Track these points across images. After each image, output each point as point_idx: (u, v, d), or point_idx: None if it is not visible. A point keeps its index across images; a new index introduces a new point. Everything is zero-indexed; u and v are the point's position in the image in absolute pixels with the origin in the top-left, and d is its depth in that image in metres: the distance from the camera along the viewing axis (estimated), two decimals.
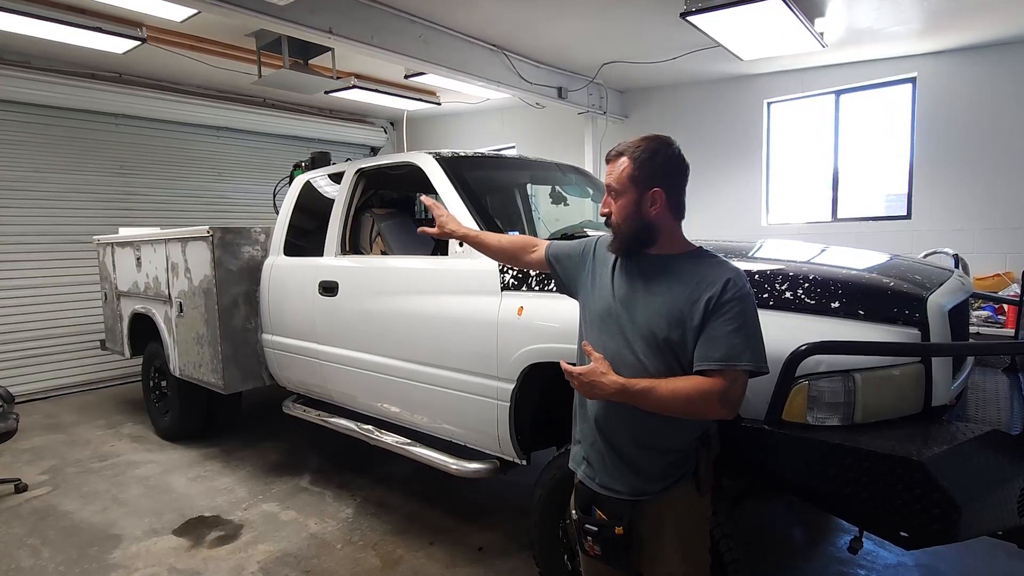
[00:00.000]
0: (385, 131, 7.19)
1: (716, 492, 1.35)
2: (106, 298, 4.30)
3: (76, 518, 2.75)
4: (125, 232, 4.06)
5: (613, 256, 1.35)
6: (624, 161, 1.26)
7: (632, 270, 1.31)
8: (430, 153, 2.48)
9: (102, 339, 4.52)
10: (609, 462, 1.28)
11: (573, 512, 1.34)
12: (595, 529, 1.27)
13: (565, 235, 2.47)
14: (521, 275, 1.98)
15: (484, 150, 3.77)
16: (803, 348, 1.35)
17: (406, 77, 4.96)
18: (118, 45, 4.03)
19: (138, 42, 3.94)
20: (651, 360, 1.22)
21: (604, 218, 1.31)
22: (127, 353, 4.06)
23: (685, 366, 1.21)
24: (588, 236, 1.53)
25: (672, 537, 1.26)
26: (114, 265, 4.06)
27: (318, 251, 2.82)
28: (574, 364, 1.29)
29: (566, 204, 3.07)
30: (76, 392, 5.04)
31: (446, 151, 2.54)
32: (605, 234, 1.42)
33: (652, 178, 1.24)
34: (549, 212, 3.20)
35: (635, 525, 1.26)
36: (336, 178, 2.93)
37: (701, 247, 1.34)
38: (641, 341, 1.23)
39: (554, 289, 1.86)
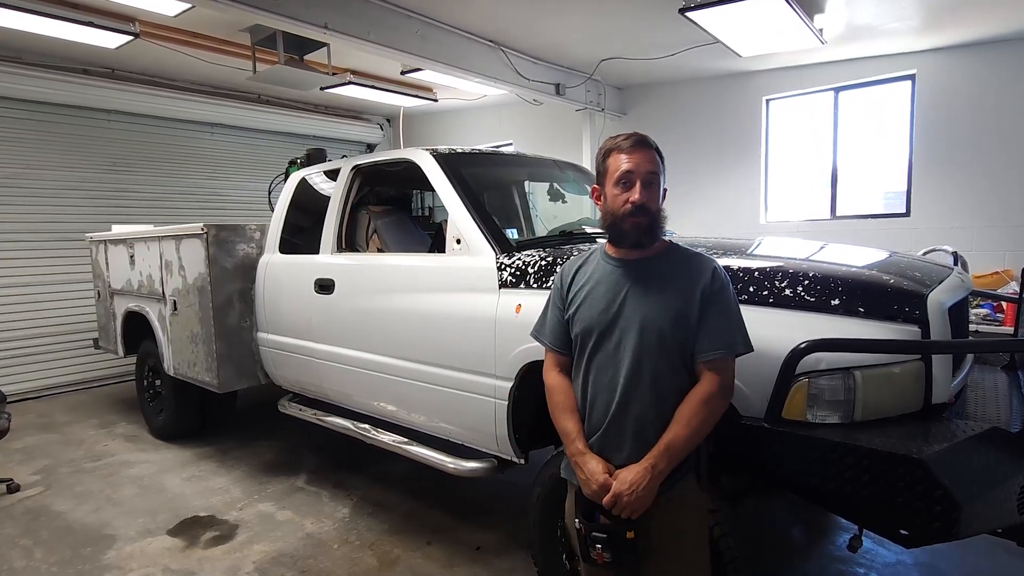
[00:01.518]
0: (381, 128, 7.15)
1: (715, 490, 1.34)
2: (99, 296, 4.26)
3: (69, 518, 2.72)
4: (118, 229, 4.02)
5: (592, 274, 1.34)
6: (653, 154, 1.31)
7: (620, 279, 1.31)
8: (427, 150, 2.45)
9: (95, 338, 4.48)
10: (616, 466, 1.26)
11: (576, 521, 1.29)
12: (604, 536, 1.22)
13: (564, 232, 2.46)
14: (519, 273, 1.96)
15: (481, 147, 3.75)
16: (803, 346, 1.35)
17: (403, 73, 4.93)
18: (111, 40, 3.98)
19: (131, 37, 3.90)
20: (653, 362, 1.24)
21: (632, 207, 1.25)
22: (121, 352, 4.03)
23: (687, 360, 1.26)
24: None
25: (682, 533, 1.27)
26: (107, 263, 4.02)
27: (314, 249, 2.79)
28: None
29: (564, 201, 3.06)
30: (69, 391, 5.00)
31: (443, 148, 2.52)
32: (565, 266, 1.42)
33: (664, 177, 1.34)
34: (547, 209, 3.19)
35: (643, 525, 1.24)
36: (332, 175, 2.90)
37: (671, 241, 1.37)
38: (646, 345, 1.24)
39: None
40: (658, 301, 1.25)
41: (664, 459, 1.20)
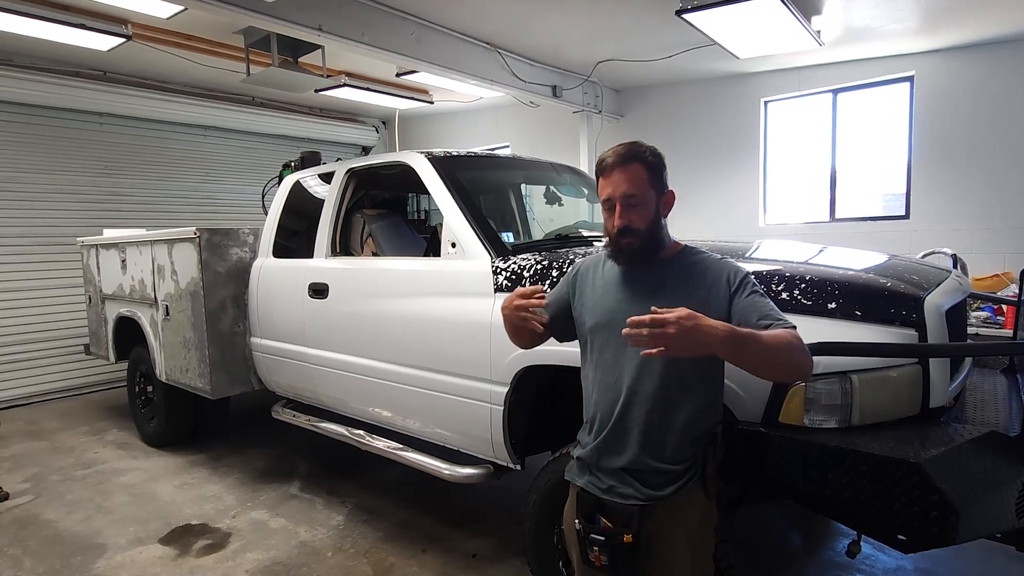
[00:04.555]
0: (377, 130, 7.13)
1: (718, 497, 1.33)
2: (90, 301, 4.22)
3: (59, 527, 2.68)
4: (110, 234, 3.99)
5: (607, 272, 1.33)
6: (638, 167, 1.24)
7: (632, 280, 1.30)
8: (422, 153, 2.44)
9: (86, 343, 4.44)
10: (619, 469, 1.25)
11: (576, 522, 1.29)
12: (602, 539, 1.22)
13: (560, 235, 2.44)
14: (515, 277, 1.94)
15: (477, 149, 3.73)
16: None
17: (398, 75, 4.91)
18: (103, 42, 3.96)
19: (123, 39, 3.87)
20: (669, 363, 1.22)
21: (617, 231, 1.23)
22: (112, 357, 3.99)
23: (695, 365, 1.23)
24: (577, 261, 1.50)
25: (681, 542, 1.25)
26: (99, 267, 3.99)
27: (308, 253, 2.77)
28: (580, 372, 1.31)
29: (561, 204, 3.05)
30: (59, 398, 4.95)
31: (438, 151, 2.50)
32: (588, 258, 1.43)
33: (665, 181, 1.29)
34: (543, 212, 3.17)
35: (642, 531, 1.23)
36: (326, 178, 2.88)
37: (686, 244, 1.35)
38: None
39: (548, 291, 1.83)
40: (668, 302, 1.22)
41: (730, 332, 1.04)
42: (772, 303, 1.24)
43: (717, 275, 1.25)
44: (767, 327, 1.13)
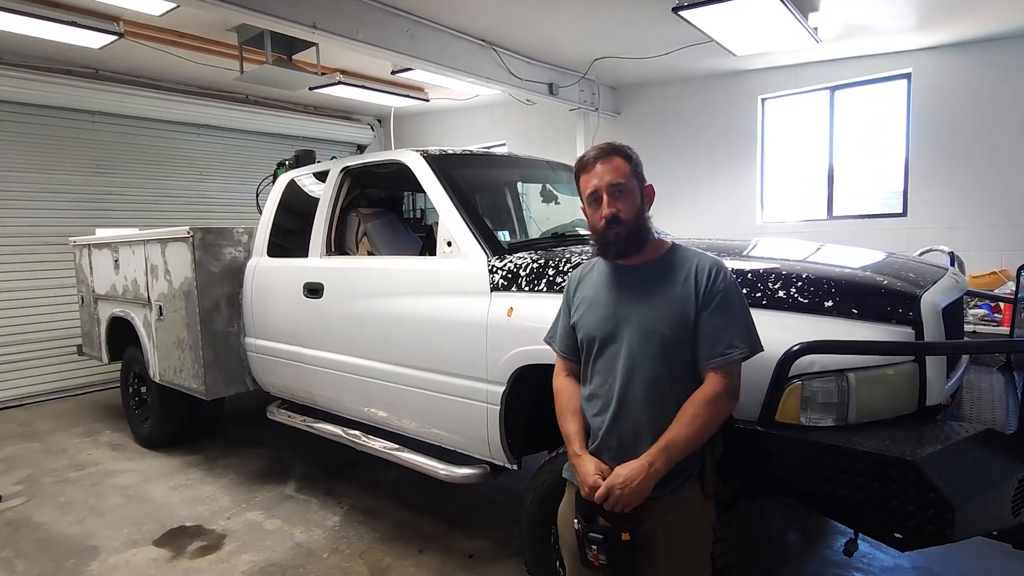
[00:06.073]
0: (372, 128, 7.10)
1: (716, 495, 1.33)
2: (83, 301, 4.19)
3: (52, 529, 2.66)
4: (102, 233, 3.96)
5: (596, 279, 1.35)
6: (619, 160, 1.28)
7: (619, 285, 1.31)
8: (418, 151, 2.42)
9: (79, 344, 4.41)
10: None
11: (575, 522, 1.29)
12: (600, 537, 1.22)
13: (556, 234, 2.43)
14: (511, 275, 1.93)
15: (473, 148, 3.71)
16: (796, 348, 1.33)
17: (393, 73, 4.89)
18: (95, 40, 3.93)
19: (115, 37, 3.84)
20: (655, 368, 1.23)
21: (605, 221, 1.25)
22: (105, 358, 3.96)
23: (690, 366, 1.25)
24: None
25: (679, 539, 1.25)
26: (91, 267, 3.95)
27: (303, 252, 2.75)
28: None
29: (557, 203, 3.03)
30: (52, 399, 4.91)
31: (434, 149, 2.49)
32: (575, 271, 1.44)
33: (643, 176, 1.32)
34: (540, 211, 3.16)
35: (640, 529, 1.23)
36: (321, 177, 2.86)
37: (674, 242, 1.36)
38: (646, 351, 1.24)
39: (544, 289, 1.83)
40: (659, 306, 1.25)
41: (662, 458, 1.19)
42: (732, 320, 1.22)
43: (698, 277, 1.26)
44: (707, 369, 1.22)
